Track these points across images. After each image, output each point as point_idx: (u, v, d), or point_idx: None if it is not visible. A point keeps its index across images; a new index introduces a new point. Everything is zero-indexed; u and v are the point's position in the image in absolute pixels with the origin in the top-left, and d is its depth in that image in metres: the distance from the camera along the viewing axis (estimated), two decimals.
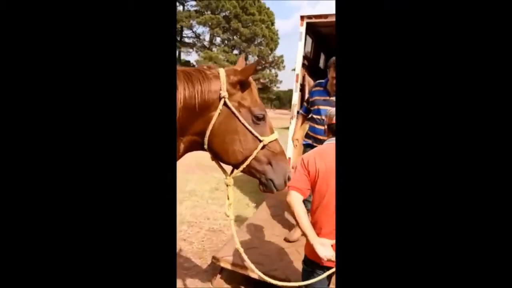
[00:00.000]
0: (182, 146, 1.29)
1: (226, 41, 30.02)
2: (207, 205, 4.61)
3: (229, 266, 2.48)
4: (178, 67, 1.25)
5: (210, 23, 27.51)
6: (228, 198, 1.40)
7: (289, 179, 1.37)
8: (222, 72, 1.27)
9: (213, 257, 2.57)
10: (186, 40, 30.69)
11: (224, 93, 1.24)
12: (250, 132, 1.28)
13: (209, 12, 27.66)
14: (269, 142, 1.31)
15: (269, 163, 1.32)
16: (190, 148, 1.33)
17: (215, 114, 1.25)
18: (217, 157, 1.36)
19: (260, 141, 1.29)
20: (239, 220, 3.82)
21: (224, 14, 28.11)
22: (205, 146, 1.30)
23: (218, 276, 2.61)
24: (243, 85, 1.30)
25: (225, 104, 1.25)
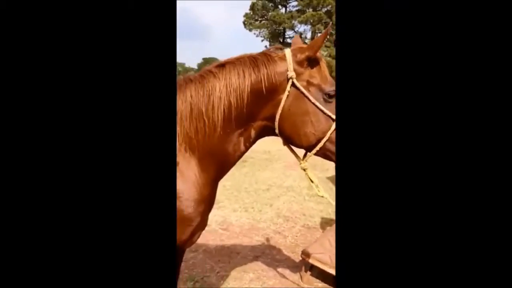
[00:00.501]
0: (253, 132, 1.28)
1: (328, 37, 29.22)
2: (304, 202, 4.60)
3: (318, 264, 2.41)
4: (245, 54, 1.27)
5: (311, 20, 27.29)
6: (312, 181, 1.35)
7: None
8: (287, 52, 1.22)
9: (303, 252, 2.55)
10: (288, 40, 31.33)
11: (291, 73, 1.18)
12: (322, 111, 1.20)
13: (310, 10, 27.49)
14: None
15: None
16: (262, 133, 1.31)
17: (284, 97, 1.20)
18: (289, 141, 1.31)
19: (333, 120, 1.19)
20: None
21: (325, 9, 27.44)
22: (276, 131, 1.26)
23: (308, 272, 2.57)
24: (311, 62, 1.22)
25: (293, 85, 1.19)
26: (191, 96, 1.21)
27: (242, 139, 1.28)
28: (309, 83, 1.21)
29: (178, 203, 1.20)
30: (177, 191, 1.20)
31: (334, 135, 1.20)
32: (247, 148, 1.32)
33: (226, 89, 1.20)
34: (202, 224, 1.38)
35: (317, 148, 1.23)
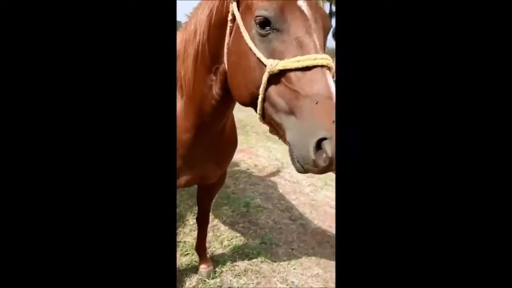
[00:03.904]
0: (220, 77, 1.04)
1: None
2: None
3: None
4: None
5: None
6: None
7: (327, 153, 0.73)
8: None
9: None
10: None
11: None
12: (250, 51, 0.82)
13: None
14: (286, 71, 0.77)
15: (291, 111, 0.78)
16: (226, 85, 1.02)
17: (227, 29, 0.91)
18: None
19: (265, 66, 0.79)
20: None
21: None
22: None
23: None
24: None
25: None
26: (179, 40, 1.13)
27: (213, 83, 1.08)
28: (246, 8, 0.85)
29: None
30: None
31: (273, 93, 0.81)
32: (220, 96, 1.09)
33: (194, 27, 1.05)
34: (194, 170, 1.37)
35: (258, 110, 0.85)
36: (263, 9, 0.79)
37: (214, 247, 2.42)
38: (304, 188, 3.53)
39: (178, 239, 2.44)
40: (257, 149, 4.67)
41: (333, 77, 0.80)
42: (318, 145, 0.74)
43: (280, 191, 3.43)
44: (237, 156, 3.83)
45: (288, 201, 3.23)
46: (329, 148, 0.72)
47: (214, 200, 2.97)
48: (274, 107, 0.82)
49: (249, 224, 2.76)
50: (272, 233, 2.66)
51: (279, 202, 3.18)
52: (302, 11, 0.79)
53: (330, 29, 0.87)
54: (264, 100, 0.83)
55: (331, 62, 0.78)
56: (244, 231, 2.65)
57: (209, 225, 2.61)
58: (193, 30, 1.06)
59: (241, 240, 2.54)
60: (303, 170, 0.78)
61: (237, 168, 3.83)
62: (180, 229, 2.57)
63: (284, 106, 0.79)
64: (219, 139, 1.38)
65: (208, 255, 2.21)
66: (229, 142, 1.52)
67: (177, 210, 2.79)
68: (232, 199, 3.11)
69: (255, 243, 2.50)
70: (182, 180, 1.42)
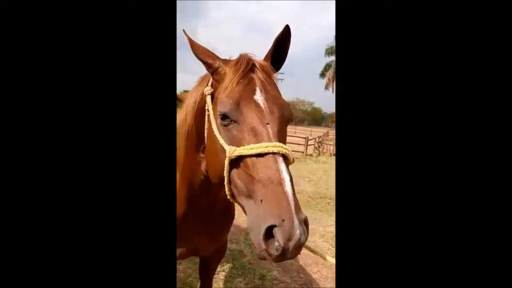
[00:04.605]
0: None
1: None
2: None
3: None
4: None
5: None
6: None
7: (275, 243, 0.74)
8: (217, 63, 1.02)
9: None
10: None
11: (206, 89, 1.03)
12: (215, 138, 0.93)
13: None
14: (243, 157, 0.84)
15: (250, 195, 0.83)
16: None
17: (206, 117, 1.03)
18: None
19: (225, 153, 0.88)
20: None
21: None
22: None
23: None
24: (216, 73, 1.01)
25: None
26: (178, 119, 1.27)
27: (202, 160, 1.16)
28: (215, 101, 0.98)
29: None
30: None
31: (235, 177, 0.87)
32: (210, 176, 1.11)
33: (185, 111, 1.20)
34: (187, 243, 1.38)
35: (226, 190, 0.91)
36: (222, 105, 0.91)
37: None
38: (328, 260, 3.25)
39: None
40: None
41: (290, 162, 0.87)
42: (270, 233, 0.74)
43: (301, 262, 3.18)
44: None
45: (309, 274, 2.97)
46: (280, 236, 0.72)
47: (227, 270, 2.75)
48: (237, 189, 0.88)
49: None
50: None
51: (298, 276, 2.93)
52: (258, 104, 0.89)
53: (288, 117, 0.94)
54: (229, 182, 0.90)
55: (284, 148, 0.83)
56: None
57: None
58: (184, 113, 1.21)
59: None
60: (261, 256, 0.77)
61: None
62: None
63: (244, 189, 0.85)
64: (211, 213, 1.39)
65: None
66: (223, 216, 1.51)
67: (189, 280, 2.60)
68: (247, 270, 2.92)
69: None
70: (176, 252, 1.43)
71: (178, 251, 1.42)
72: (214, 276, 2.34)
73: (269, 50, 1.05)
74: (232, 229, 3.80)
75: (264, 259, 0.77)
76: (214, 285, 2.46)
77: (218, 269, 2.85)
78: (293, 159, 0.88)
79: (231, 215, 1.59)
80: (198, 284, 2.63)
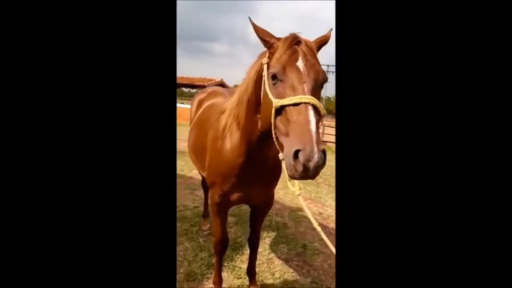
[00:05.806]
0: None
1: None
2: None
3: None
4: None
5: None
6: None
7: (303, 164, 0.99)
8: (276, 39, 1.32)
9: None
10: None
11: (264, 59, 1.31)
12: (267, 94, 1.24)
13: None
14: (284, 106, 1.14)
15: (287, 133, 1.13)
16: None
17: (263, 82, 1.33)
18: None
19: (273, 106, 1.18)
20: None
21: None
22: None
23: None
24: (270, 47, 1.31)
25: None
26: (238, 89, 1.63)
27: (258, 120, 1.50)
28: (268, 67, 1.29)
29: (223, 160, 1.74)
30: (224, 152, 1.72)
31: (278, 122, 1.17)
32: (263, 128, 1.45)
33: (246, 82, 1.53)
34: (244, 189, 1.78)
35: (273, 134, 1.22)
36: (273, 68, 1.23)
37: (266, 277, 2.56)
38: None
39: (235, 264, 2.67)
40: (325, 200, 4.72)
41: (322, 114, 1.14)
42: (296, 155, 1.03)
43: None
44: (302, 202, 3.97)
45: None
46: (302, 156, 1.01)
47: (273, 237, 3.14)
48: (279, 131, 1.19)
49: (303, 264, 2.83)
50: (325, 276, 2.66)
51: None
52: (298, 68, 1.19)
53: (322, 80, 1.23)
54: (275, 126, 1.22)
55: (314, 100, 1.11)
56: (297, 268, 2.73)
57: (264, 259, 2.80)
58: (245, 83, 1.55)
59: (292, 276, 2.62)
60: (290, 174, 1.07)
61: (301, 212, 3.96)
62: (238, 256, 2.81)
63: (283, 130, 1.16)
64: (263, 165, 1.75)
65: (258, 283, 2.37)
66: (273, 170, 1.87)
67: (239, 240, 3.06)
68: (290, 239, 3.24)
69: (306, 281, 2.54)
70: (234, 196, 1.85)
71: (235, 195, 1.82)
72: (261, 240, 2.75)
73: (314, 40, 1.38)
74: (279, 206, 4.13)
75: (295, 178, 1.06)
76: (260, 248, 2.85)
77: (264, 235, 3.26)
78: (324, 113, 1.15)
79: (279, 170, 1.91)
80: (246, 244, 3.08)
